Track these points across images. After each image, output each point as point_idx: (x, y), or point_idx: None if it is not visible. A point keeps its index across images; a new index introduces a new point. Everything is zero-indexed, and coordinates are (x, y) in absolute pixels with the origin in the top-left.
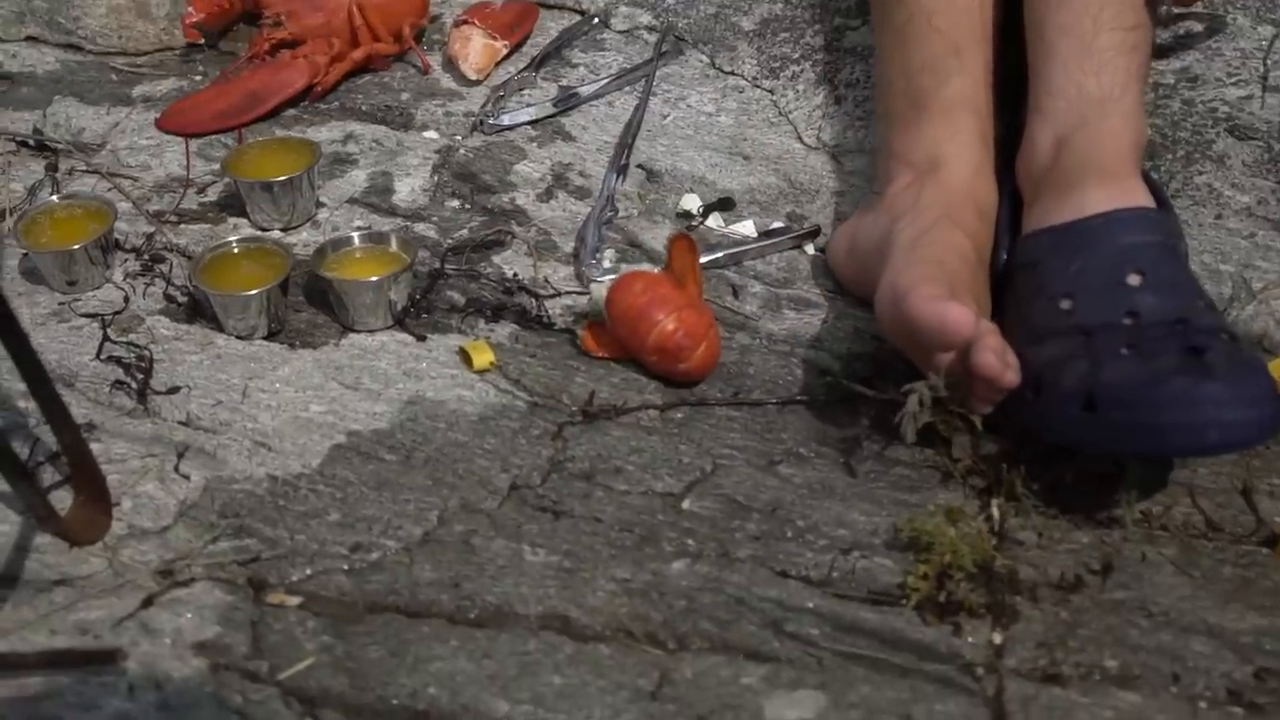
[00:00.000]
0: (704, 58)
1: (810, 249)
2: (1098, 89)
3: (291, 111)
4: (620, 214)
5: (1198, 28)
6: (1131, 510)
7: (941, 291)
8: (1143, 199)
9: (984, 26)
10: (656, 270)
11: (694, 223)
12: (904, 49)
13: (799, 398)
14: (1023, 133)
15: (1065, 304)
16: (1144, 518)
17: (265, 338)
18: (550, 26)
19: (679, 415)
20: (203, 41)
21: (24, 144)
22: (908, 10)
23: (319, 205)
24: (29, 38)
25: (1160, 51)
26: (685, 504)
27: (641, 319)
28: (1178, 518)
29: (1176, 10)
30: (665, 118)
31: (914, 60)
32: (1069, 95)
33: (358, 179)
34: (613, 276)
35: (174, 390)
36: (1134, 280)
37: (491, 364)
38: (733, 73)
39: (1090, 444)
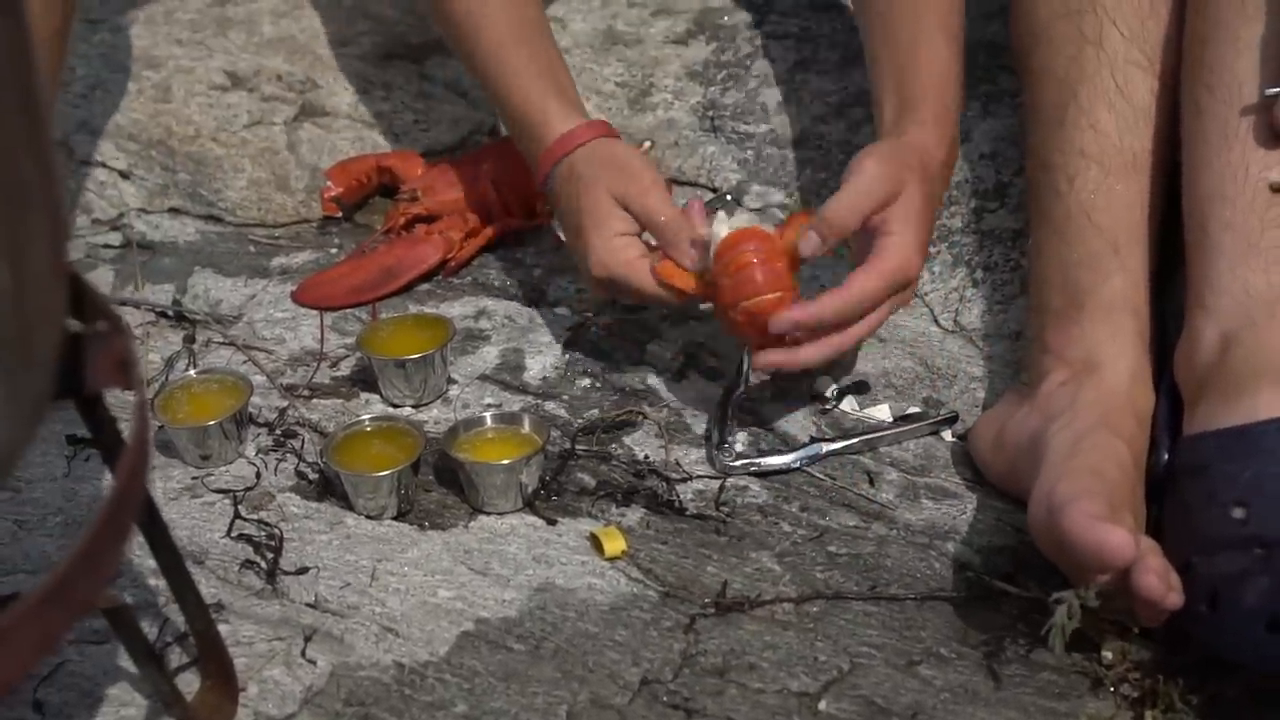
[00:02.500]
0: None
1: (948, 435)
2: (1266, 288)
3: (425, 286)
4: (753, 396)
5: None
6: None
7: (1101, 509)
8: None
9: (1143, 223)
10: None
11: (828, 406)
12: (1062, 244)
13: (939, 593)
14: (1180, 326)
15: (1238, 512)
16: None
17: (395, 518)
18: (681, 203)
19: (814, 609)
20: (339, 215)
21: (163, 314)
22: (1065, 205)
23: (450, 382)
24: (172, 209)
25: None
26: (822, 705)
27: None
28: None
29: None
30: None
31: (1072, 256)
32: (1235, 293)
33: (489, 355)
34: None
35: (303, 571)
36: None
37: (623, 552)
38: None
39: (1275, 666)
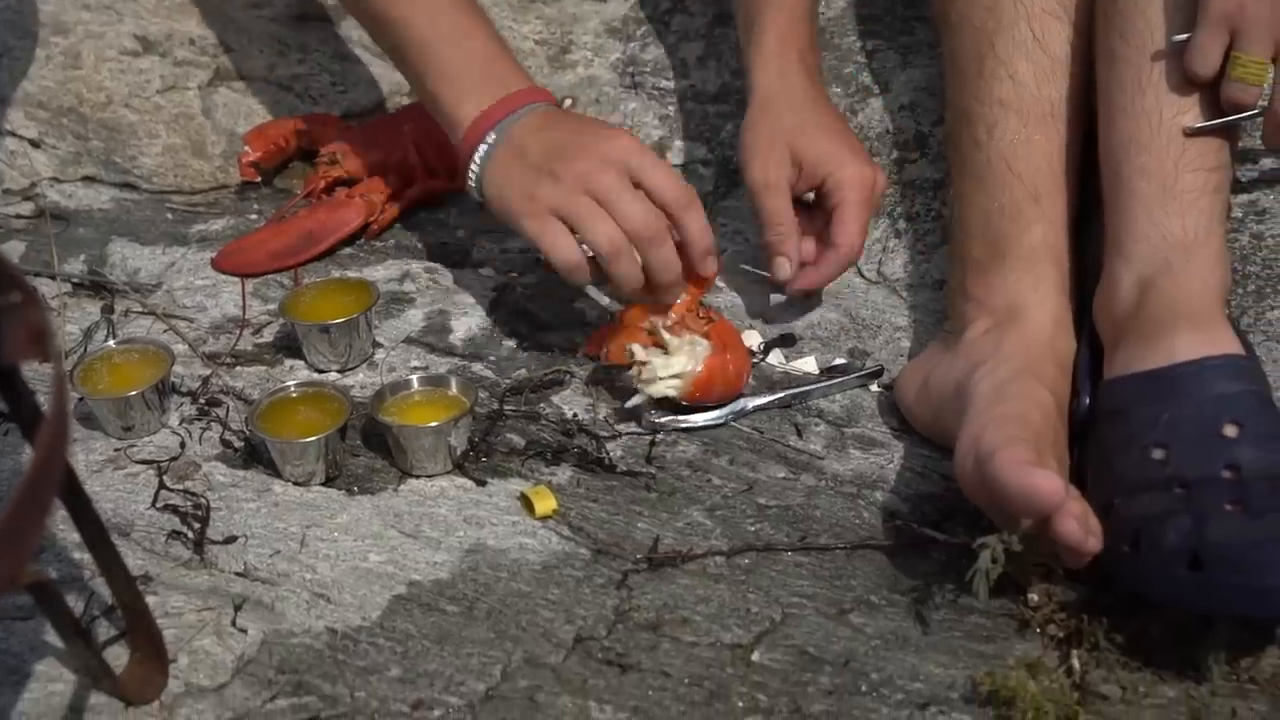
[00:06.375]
0: None
1: (874, 387)
2: (1181, 232)
3: (348, 250)
4: None
5: (1270, 164)
6: (1220, 664)
7: (1029, 455)
8: (1232, 345)
9: (1063, 172)
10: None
11: (755, 360)
12: (982, 193)
13: (868, 542)
14: (1099, 273)
15: (1158, 454)
16: (1232, 670)
17: (323, 483)
18: None
19: (745, 561)
20: (258, 180)
21: (80, 285)
22: (985, 155)
23: (376, 345)
24: (85, 177)
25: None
26: (755, 656)
27: None
28: (1267, 670)
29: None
30: (723, 251)
31: (993, 205)
32: (1152, 238)
33: (414, 318)
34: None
35: (231, 540)
36: (1231, 431)
37: (554, 511)
38: None
39: (1196, 604)
